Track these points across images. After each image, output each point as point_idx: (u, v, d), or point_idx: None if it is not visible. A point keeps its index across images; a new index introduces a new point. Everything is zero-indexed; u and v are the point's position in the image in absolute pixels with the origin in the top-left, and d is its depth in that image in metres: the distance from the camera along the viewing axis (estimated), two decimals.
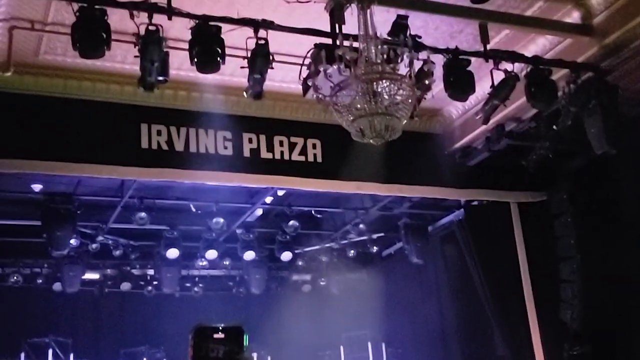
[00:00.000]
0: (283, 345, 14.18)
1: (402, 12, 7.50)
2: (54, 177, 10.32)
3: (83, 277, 13.34)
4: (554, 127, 9.05)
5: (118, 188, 11.06)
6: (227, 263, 14.33)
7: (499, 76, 8.16)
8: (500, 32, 8.60)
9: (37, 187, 10.91)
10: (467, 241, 11.86)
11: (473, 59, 8.01)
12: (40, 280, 13.52)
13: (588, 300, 10.27)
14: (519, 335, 10.97)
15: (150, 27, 6.63)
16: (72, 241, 11.76)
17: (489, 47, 7.99)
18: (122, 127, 8.88)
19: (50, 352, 13.17)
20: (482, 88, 8.37)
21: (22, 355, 12.91)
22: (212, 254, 13.55)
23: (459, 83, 7.87)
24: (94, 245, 12.81)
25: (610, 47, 8.20)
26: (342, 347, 15.04)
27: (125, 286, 14.33)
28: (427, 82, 7.14)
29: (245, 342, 2.01)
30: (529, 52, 8.61)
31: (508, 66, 8.09)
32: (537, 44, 8.81)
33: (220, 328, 2.05)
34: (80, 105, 8.74)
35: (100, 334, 14.46)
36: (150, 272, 14.44)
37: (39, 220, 11.03)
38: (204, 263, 14.11)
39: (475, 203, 11.67)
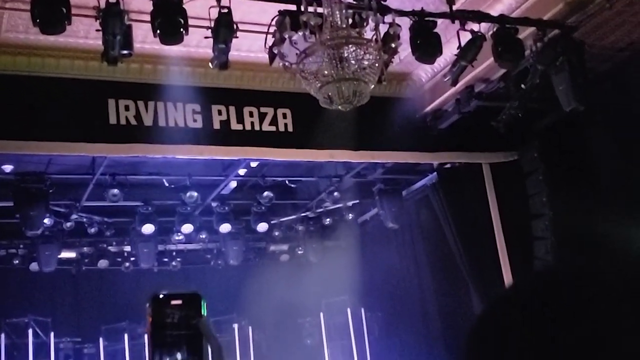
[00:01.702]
0: (264, 314, 14.26)
1: None
2: (24, 157, 10.21)
3: (59, 256, 13.26)
4: (523, 86, 9.09)
5: (89, 165, 10.94)
6: (204, 236, 14.32)
7: (465, 37, 8.15)
8: None
9: (7, 168, 10.78)
10: (441, 204, 11.93)
11: (439, 21, 7.98)
12: (17, 261, 13.44)
13: (561, 256, 10.39)
14: (494, 293, 11.07)
15: (111, 0, 6.54)
16: (46, 220, 11.66)
17: (454, 7, 7.97)
18: (89, 103, 8.78)
19: (30, 331, 13.15)
20: (450, 49, 8.37)
21: (2, 335, 12.88)
22: (187, 227, 13.50)
23: (426, 45, 7.86)
24: (68, 224, 12.74)
25: (576, 3, 8.21)
26: (322, 314, 15.16)
27: (103, 263, 14.29)
28: (393, 45, 7.17)
29: (203, 308, 2.01)
30: (495, 11, 8.59)
31: (474, 26, 8.08)
32: (504, 3, 8.78)
33: (177, 294, 2.04)
34: (45, 82, 8.63)
35: (80, 312, 14.45)
36: (127, 248, 14.40)
37: (11, 201, 10.93)
38: (180, 237, 14.08)
39: (448, 166, 11.75)
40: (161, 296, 2.04)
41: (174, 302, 2.03)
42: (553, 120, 10.25)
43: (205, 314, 2.01)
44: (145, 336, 2.06)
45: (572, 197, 10.18)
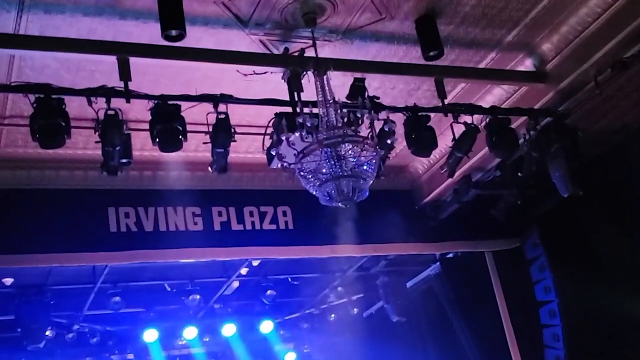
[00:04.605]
0: None
1: (358, 75, 7.58)
2: (25, 269, 10.13)
3: None
4: (519, 173, 9.13)
5: (90, 274, 10.86)
6: (208, 339, 14.08)
7: (459, 129, 8.21)
8: (456, 86, 8.74)
9: (8, 281, 10.69)
10: (446, 294, 11.82)
11: (433, 114, 8.08)
12: None
13: (572, 342, 10.22)
14: None
15: (109, 112, 6.63)
16: (48, 333, 11.48)
17: (446, 101, 8.06)
18: (89, 213, 8.82)
19: None
20: (445, 141, 8.44)
21: None
22: (191, 331, 13.31)
23: (421, 139, 7.91)
24: (70, 335, 12.52)
25: (566, 91, 8.35)
26: None
27: None
28: (389, 141, 7.24)
29: None
30: (486, 102, 8.74)
31: (467, 118, 8.17)
32: (494, 94, 8.95)
33: None
34: (45, 195, 8.70)
35: None
36: (130, 356, 14.10)
37: (12, 314, 10.80)
38: (184, 342, 13.84)
39: (451, 255, 11.67)
40: None
41: None
42: (552, 205, 10.24)
43: None
44: None
45: (579, 280, 10.10)
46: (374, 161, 6.58)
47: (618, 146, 9.62)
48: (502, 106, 8.73)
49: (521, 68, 8.58)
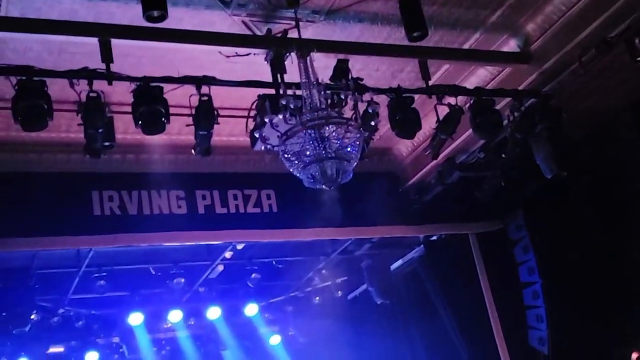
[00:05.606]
0: None
1: (341, 56, 7.56)
2: (9, 253, 10.08)
3: (47, 352, 12.97)
4: (503, 155, 9.15)
5: (75, 257, 10.83)
6: (193, 322, 14.08)
7: (443, 110, 8.21)
8: (440, 67, 8.74)
9: None
10: (430, 276, 11.85)
11: (416, 96, 8.07)
12: (4, 359, 13.10)
13: (555, 324, 10.29)
14: None
15: (92, 94, 6.59)
16: (33, 316, 11.46)
17: (430, 82, 8.05)
18: (72, 196, 8.79)
19: None
20: (429, 123, 8.44)
21: None
22: (176, 315, 13.32)
23: (405, 121, 7.89)
24: (55, 319, 12.49)
25: (550, 72, 8.36)
26: None
27: (92, 356, 13.96)
28: (373, 123, 7.24)
29: None
30: (470, 84, 8.73)
31: (451, 100, 8.15)
32: (478, 76, 8.95)
33: None
34: (28, 178, 8.65)
35: None
36: (116, 339, 14.10)
37: None
38: (169, 325, 13.84)
39: (434, 238, 11.70)
40: None
41: None
42: (536, 187, 10.26)
43: None
44: None
45: (563, 262, 10.16)
46: (357, 143, 6.56)
47: (602, 127, 9.64)
48: (486, 87, 8.73)
49: (505, 49, 8.60)
